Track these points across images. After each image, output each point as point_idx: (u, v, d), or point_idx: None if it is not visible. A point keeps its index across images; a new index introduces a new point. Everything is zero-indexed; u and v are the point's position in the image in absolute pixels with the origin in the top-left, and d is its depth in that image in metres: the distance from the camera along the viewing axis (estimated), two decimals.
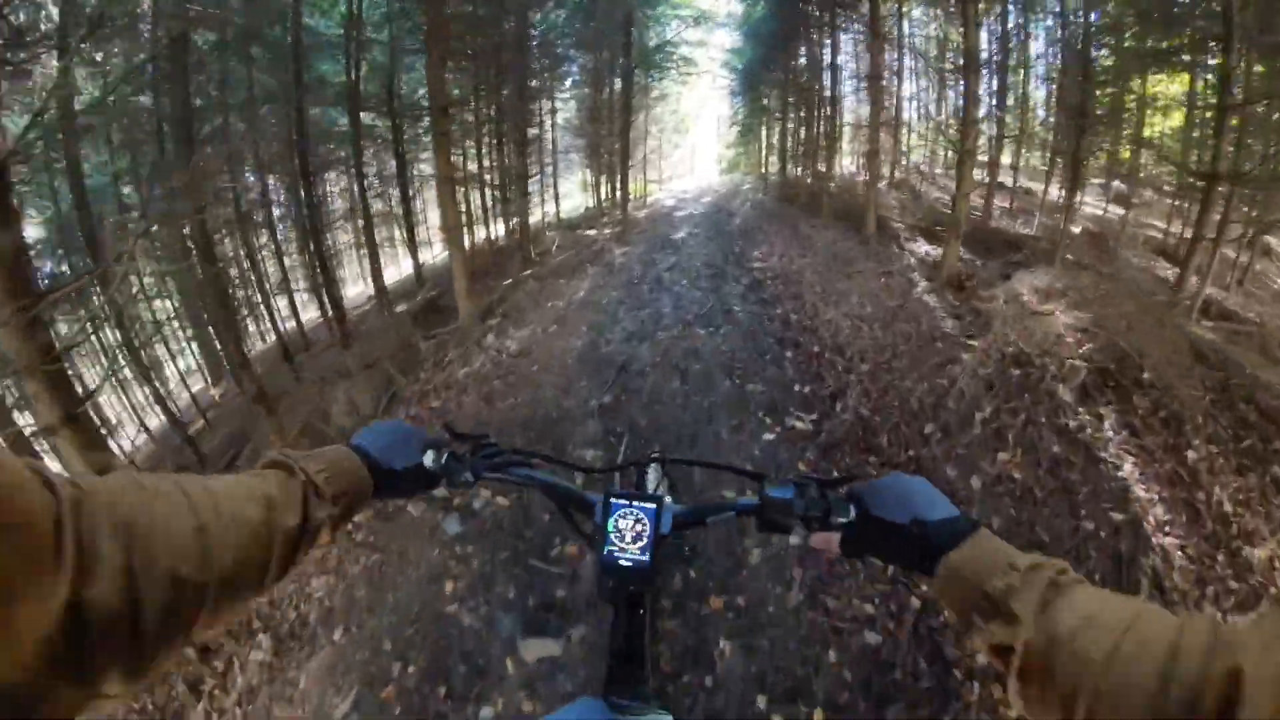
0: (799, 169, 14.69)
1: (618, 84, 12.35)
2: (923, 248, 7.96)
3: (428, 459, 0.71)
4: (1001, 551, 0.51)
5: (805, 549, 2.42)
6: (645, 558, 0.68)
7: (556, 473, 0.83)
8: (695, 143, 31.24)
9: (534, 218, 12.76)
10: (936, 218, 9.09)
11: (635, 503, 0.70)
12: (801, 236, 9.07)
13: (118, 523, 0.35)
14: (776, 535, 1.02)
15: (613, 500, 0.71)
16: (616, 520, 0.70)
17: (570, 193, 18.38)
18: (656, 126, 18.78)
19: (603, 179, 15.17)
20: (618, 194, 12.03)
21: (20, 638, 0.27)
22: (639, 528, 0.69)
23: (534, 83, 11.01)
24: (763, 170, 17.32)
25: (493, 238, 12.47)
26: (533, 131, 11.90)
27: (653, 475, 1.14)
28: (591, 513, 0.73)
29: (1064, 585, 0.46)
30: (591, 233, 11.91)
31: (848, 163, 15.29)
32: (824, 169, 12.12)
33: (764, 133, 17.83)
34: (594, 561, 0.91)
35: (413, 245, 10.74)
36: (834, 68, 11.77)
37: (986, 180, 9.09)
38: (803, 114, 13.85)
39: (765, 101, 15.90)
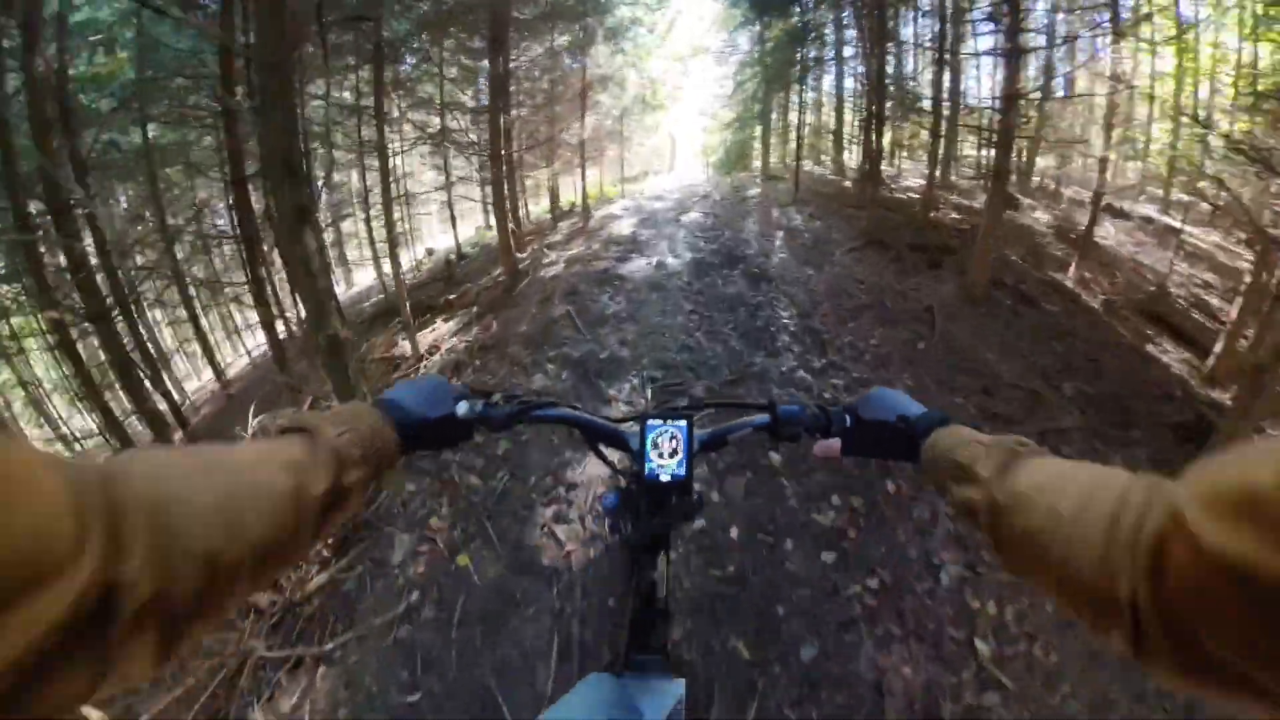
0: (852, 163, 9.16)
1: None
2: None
3: (461, 408, 0.71)
4: (970, 433, 0.60)
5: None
6: (682, 471, 0.74)
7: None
8: (674, 131, 25.79)
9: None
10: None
11: (669, 421, 0.76)
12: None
13: (146, 503, 0.34)
14: (786, 443, 1.15)
15: (649, 421, 0.76)
16: (655, 438, 0.75)
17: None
18: (613, 101, 13.15)
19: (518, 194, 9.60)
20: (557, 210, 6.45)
21: (37, 624, 0.26)
22: (674, 443, 0.75)
23: None
24: (793, 161, 11.55)
25: None
26: None
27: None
28: (625, 445, 0.79)
29: (1023, 453, 0.52)
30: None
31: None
32: (929, 169, 6.54)
33: (794, 100, 12.09)
34: (629, 488, 0.82)
35: None
36: None
37: None
38: (861, 75, 8.24)
39: (799, 48, 10.01)
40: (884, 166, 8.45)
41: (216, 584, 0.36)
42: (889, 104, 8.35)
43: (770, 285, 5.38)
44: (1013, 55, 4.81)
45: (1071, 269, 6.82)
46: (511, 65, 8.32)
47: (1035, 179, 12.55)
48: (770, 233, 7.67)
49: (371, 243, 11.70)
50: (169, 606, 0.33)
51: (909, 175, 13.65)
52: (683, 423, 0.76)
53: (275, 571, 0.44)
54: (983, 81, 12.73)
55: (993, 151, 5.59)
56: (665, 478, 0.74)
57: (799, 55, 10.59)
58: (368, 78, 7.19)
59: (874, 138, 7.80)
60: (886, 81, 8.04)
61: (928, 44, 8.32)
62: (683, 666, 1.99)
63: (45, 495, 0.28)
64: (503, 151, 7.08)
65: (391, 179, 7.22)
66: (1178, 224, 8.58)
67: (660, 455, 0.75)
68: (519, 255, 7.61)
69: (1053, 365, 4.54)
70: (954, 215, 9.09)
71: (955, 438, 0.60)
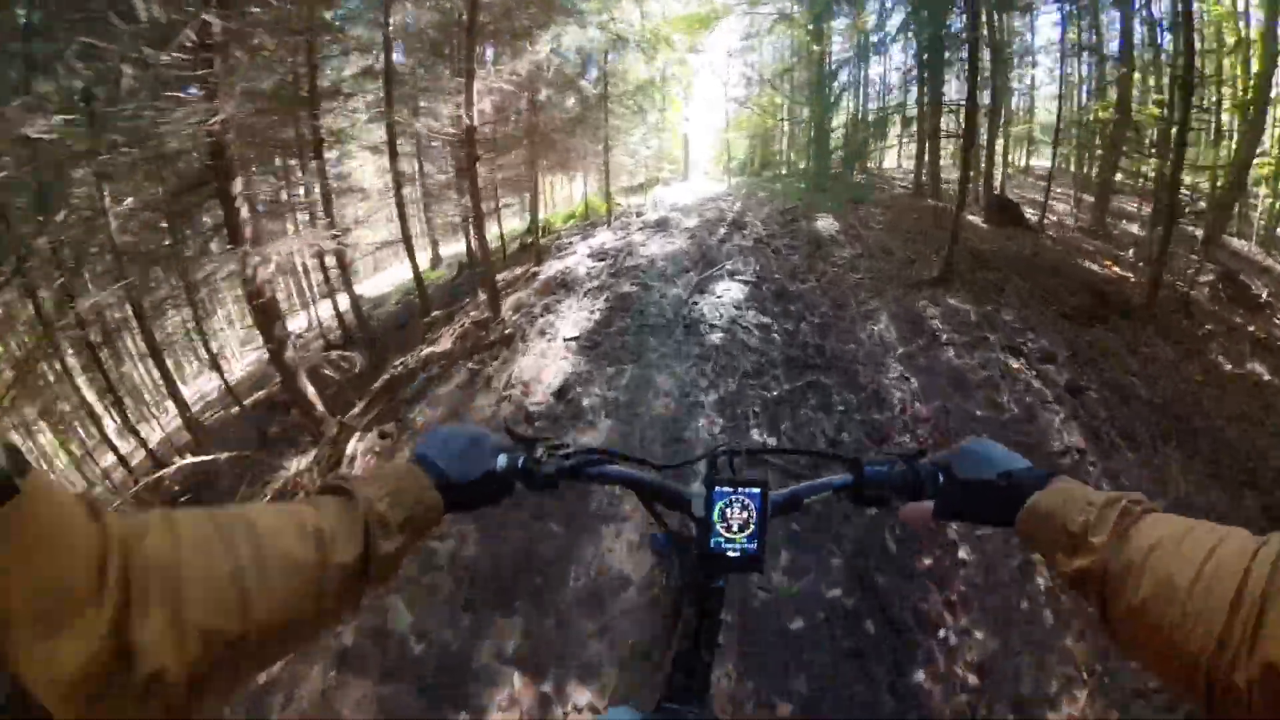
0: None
1: None
2: None
3: (500, 463, 0.66)
4: (1080, 491, 0.53)
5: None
6: (753, 545, 0.67)
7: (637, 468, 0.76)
8: (688, 130, 22.18)
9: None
10: None
11: (740, 489, 0.67)
12: None
13: (159, 570, 0.34)
14: (873, 509, 1.14)
15: (718, 488, 0.67)
16: (723, 510, 0.67)
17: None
18: (611, 91, 9.61)
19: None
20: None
21: (63, 668, 0.27)
22: (745, 514, 0.67)
23: None
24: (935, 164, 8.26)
25: None
26: None
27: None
28: (685, 506, 0.71)
29: (1138, 514, 0.47)
30: None
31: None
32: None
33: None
34: (685, 558, 0.77)
35: None
36: None
37: None
38: None
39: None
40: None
41: (221, 662, 0.35)
42: None
43: None
44: None
45: None
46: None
47: None
48: (967, 391, 3.63)
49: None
50: (172, 680, 0.32)
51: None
52: (756, 490, 0.67)
53: (293, 647, 0.42)
54: None
55: None
56: (733, 554, 0.67)
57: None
58: None
59: None
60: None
61: None
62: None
63: (78, 537, 0.29)
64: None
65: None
66: None
67: (729, 528, 0.67)
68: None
69: None
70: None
71: (1062, 498, 0.53)
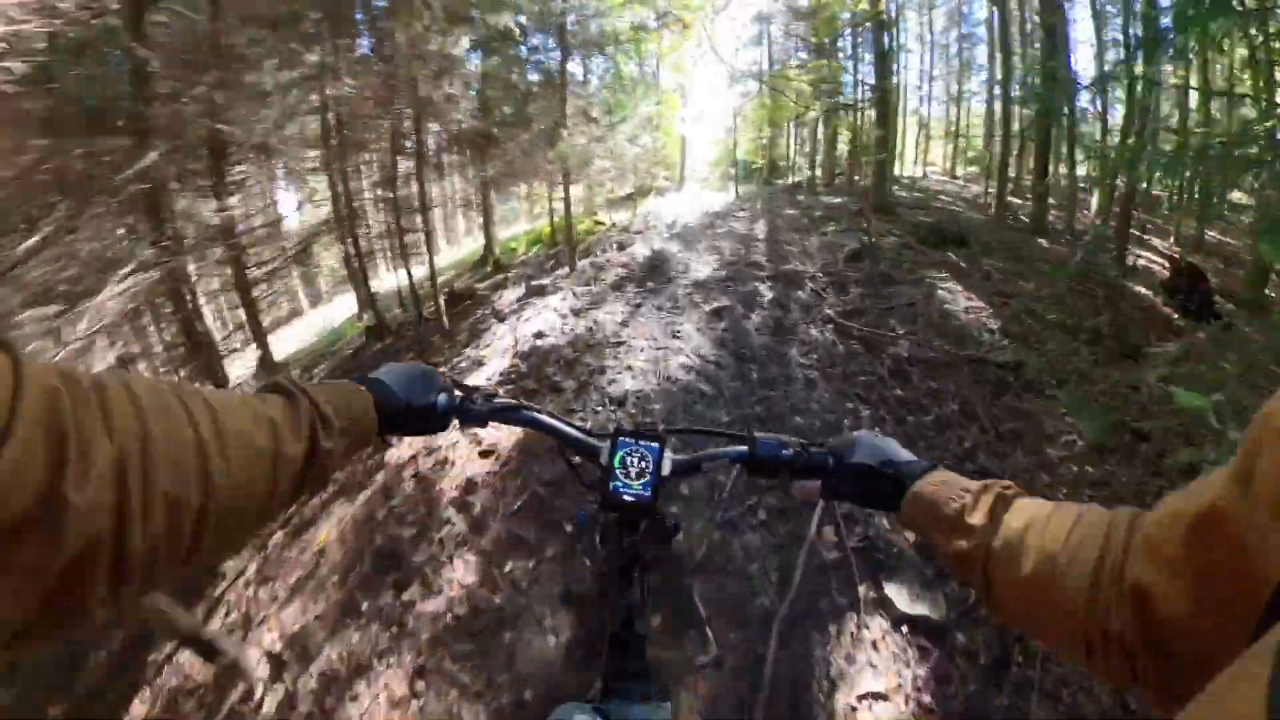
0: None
1: None
2: None
3: (441, 400, 0.71)
4: (956, 480, 0.57)
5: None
6: (647, 492, 0.72)
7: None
8: (685, 131, 19.13)
9: None
10: None
11: (641, 441, 0.74)
12: None
13: (110, 427, 0.30)
14: (764, 481, 1.25)
15: (621, 438, 0.74)
16: (624, 457, 0.73)
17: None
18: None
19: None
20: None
21: None
22: (643, 464, 0.73)
23: None
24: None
25: None
26: None
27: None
28: (595, 456, 0.76)
29: (1009, 498, 0.51)
30: None
31: None
32: None
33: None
34: (595, 506, 0.81)
35: None
36: None
37: None
38: None
39: None
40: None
41: (180, 533, 0.34)
42: None
43: None
44: None
45: None
46: None
47: None
48: None
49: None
50: (124, 547, 0.30)
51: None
52: (655, 444, 0.74)
53: (245, 529, 0.42)
54: None
55: None
56: (629, 498, 0.73)
57: None
58: None
59: None
60: None
61: None
62: (665, 690, 1.83)
63: None
64: None
65: None
66: None
67: (627, 474, 0.73)
68: None
69: None
70: None
71: (940, 485, 0.57)
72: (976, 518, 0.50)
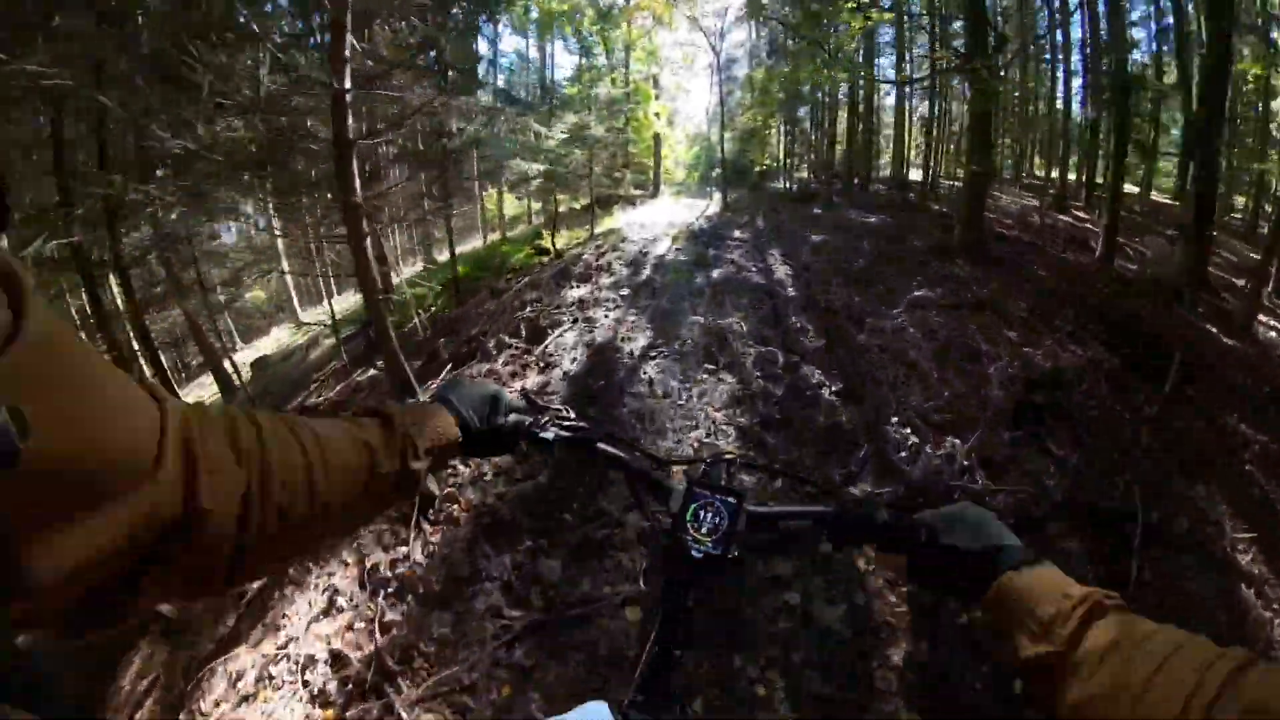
0: None
1: None
2: None
3: (509, 420, 0.72)
4: (1059, 581, 0.50)
5: None
6: (717, 550, 0.68)
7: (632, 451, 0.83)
8: (661, 128, 16.16)
9: None
10: None
11: (718, 495, 0.69)
12: None
13: (240, 450, 0.39)
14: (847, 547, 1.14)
15: (695, 489, 0.70)
16: (696, 510, 0.69)
17: None
18: None
19: None
20: None
21: (121, 525, 0.30)
22: (716, 520, 0.69)
23: None
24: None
25: None
26: None
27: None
28: (666, 498, 0.72)
29: (1106, 607, 0.46)
30: None
31: None
32: None
33: None
34: (660, 547, 0.83)
35: None
36: None
37: None
38: None
39: None
40: None
41: (288, 539, 0.43)
42: None
43: None
44: None
45: None
46: None
47: None
48: None
49: None
50: (240, 547, 0.38)
51: None
52: (733, 500, 0.69)
53: (338, 537, 0.54)
54: None
55: None
56: (697, 553, 0.67)
57: None
58: None
59: None
60: None
61: None
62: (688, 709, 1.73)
63: (138, 421, 0.32)
64: None
65: None
66: None
67: (698, 529, 0.68)
68: None
69: None
70: None
71: (1038, 583, 0.50)
72: (1067, 628, 0.45)
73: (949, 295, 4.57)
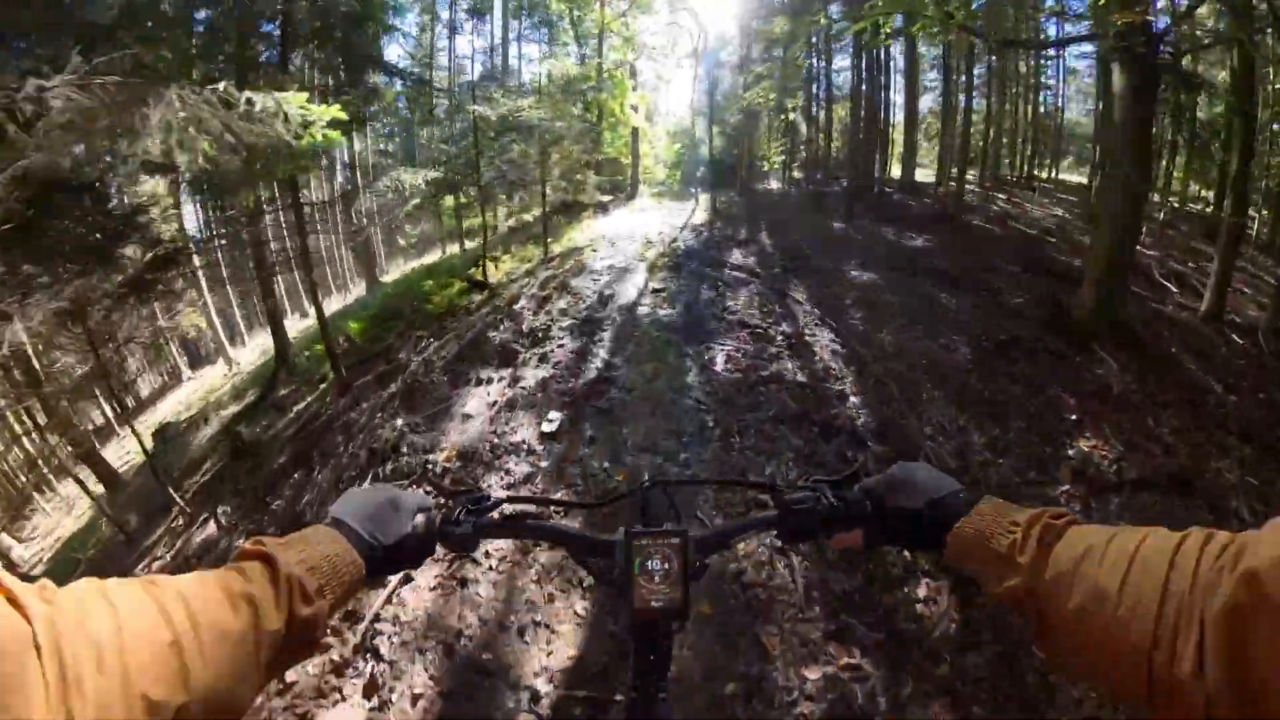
0: None
1: None
2: None
3: (417, 523, 0.65)
4: (1003, 511, 0.52)
5: None
6: (677, 595, 0.64)
7: (559, 515, 0.89)
8: (639, 123, 14.07)
9: None
10: None
11: (660, 540, 0.64)
12: None
13: (89, 642, 0.34)
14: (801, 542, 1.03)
15: (634, 540, 0.64)
16: (641, 562, 0.64)
17: None
18: None
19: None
20: None
21: None
22: (665, 566, 0.64)
23: None
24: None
25: None
26: None
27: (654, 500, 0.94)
28: (610, 553, 0.67)
29: (1061, 527, 0.47)
30: None
31: None
32: None
33: None
34: (623, 608, 0.70)
35: None
36: None
37: None
38: None
39: None
40: None
41: None
42: None
43: None
44: None
45: None
46: None
47: None
48: None
49: None
50: None
51: None
52: (676, 538, 0.64)
53: (232, 712, 0.43)
54: None
55: None
56: (657, 604, 0.63)
57: None
58: None
59: None
60: None
61: None
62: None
63: (6, 635, 0.29)
64: None
65: None
66: None
67: (650, 579, 0.63)
68: None
69: None
70: None
71: (986, 521, 0.52)
72: (1026, 555, 0.46)
73: (1126, 445, 2.63)
